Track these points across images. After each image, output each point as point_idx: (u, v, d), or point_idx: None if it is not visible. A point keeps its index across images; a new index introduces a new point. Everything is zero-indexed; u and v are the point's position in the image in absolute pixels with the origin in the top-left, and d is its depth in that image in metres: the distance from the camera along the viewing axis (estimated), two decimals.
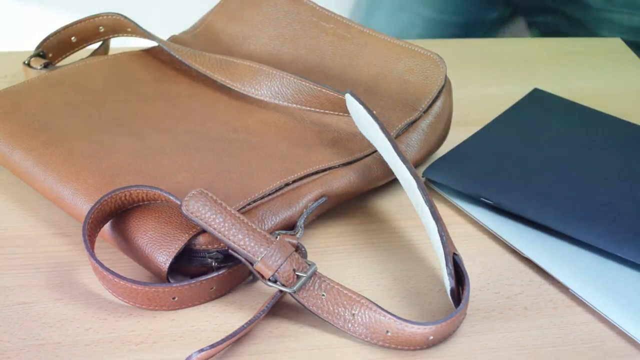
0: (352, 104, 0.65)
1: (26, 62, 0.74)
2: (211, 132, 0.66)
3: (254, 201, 0.59)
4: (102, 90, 0.69)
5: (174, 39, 0.78)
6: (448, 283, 0.57)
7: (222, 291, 0.57)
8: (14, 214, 0.63)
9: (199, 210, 0.54)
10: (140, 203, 0.58)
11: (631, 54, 0.94)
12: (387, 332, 0.54)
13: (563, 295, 0.59)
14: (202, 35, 0.79)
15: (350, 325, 0.54)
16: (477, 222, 0.66)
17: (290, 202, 0.60)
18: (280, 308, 0.56)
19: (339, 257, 0.62)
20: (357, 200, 0.66)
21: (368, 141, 0.66)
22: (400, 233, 0.65)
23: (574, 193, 0.66)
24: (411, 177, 0.60)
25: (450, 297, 0.57)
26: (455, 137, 0.73)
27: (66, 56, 0.77)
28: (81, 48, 0.78)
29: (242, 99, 0.71)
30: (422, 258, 0.62)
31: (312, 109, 0.68)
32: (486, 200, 0.65)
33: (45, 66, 0.73)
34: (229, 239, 0.54)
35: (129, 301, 0.55)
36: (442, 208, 0.67)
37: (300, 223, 0.59)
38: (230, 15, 0.80)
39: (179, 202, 0.55)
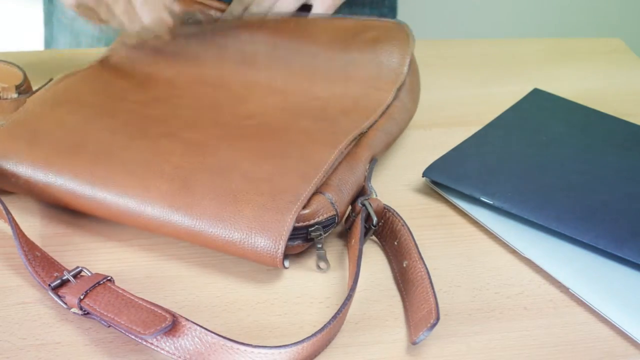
0: None
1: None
2: (229, 123, 0.66)
3: (327, 172, 0.60)
4: (102, 103, 0.67)
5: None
6: None
7: None
8: (14, 214, 0.63)
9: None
10: None
11: (631, 54, 0.94)
12: None
13: (563, 295, 0.59)
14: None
15: None
16: (477, 222, 0.66)
17: (352, 168, 0.62)
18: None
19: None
20: None
21: (376, 99, 0.69)
22: None
23: (573, 193, 0.66)
24: None
25: None
26: (455, 137, 0.74)
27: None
28: None
29: (227, 88, 0.71)
30: None
31: None
32: (486, 201, 0.65)
33: (20, 92, 0.67)
34: None
35: None
36: (442, 208, 0.67)
37: (369, 185, 0.63)
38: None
39: None
